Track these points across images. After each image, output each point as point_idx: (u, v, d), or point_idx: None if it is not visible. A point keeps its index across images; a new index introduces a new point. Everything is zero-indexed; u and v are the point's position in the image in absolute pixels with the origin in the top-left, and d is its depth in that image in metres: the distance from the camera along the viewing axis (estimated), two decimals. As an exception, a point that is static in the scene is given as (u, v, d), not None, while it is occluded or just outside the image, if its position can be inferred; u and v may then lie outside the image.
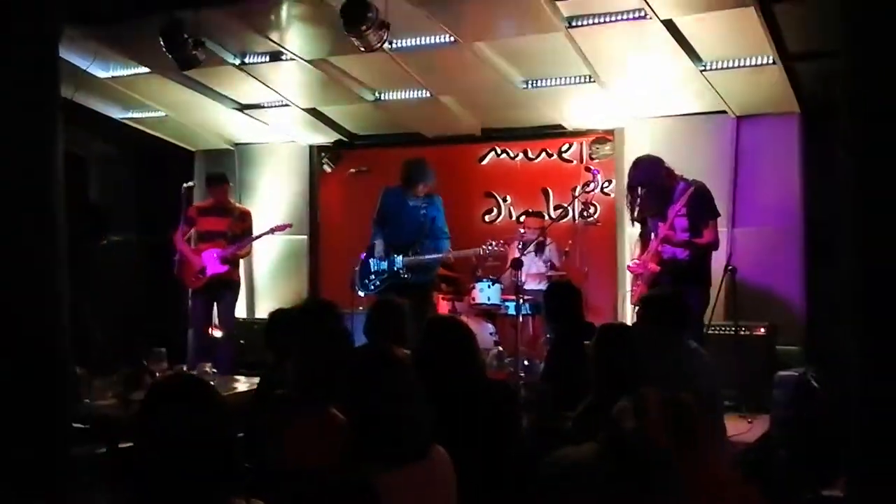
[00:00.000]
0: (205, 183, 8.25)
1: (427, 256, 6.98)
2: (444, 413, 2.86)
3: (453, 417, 3.02)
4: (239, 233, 7.79)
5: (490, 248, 7.03)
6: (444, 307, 8.15)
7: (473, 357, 3.48)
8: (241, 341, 8.50)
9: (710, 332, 6.35)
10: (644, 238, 6.25)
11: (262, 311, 9.23)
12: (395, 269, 7.00)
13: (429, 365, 3.24)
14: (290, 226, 8.23)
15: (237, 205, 8.11)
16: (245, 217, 7.92)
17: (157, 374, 4.99)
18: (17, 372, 3.41)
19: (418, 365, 3.14)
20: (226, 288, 7.81)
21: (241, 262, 8.20)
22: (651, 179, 6.02)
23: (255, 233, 7.92)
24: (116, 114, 8.96)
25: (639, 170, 6.12)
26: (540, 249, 8.04)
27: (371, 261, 7.18)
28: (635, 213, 6.21)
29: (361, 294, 7.30)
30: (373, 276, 7.16)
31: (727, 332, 6.63)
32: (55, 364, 3.57)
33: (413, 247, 6.99)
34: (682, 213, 5.90)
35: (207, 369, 5.52)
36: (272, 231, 7.97)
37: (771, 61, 6.42)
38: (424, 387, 2.70)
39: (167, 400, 2.13)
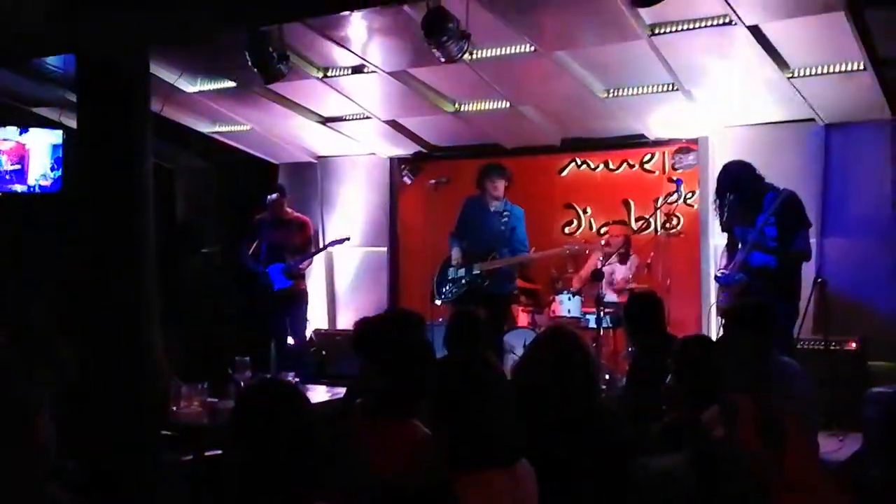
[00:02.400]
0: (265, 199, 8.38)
1: (504, 260, 6.95)
2: (547, 432, 2.82)
3: (557, 438, 2.93)
4: (299, 244, 7.95)
5: (571, 248, 7.00)
6: (523, 319, 8.12)
7: (591, 383, 3.20)
8: (323, 352, 8.60)
9: (798, 346, 6.17)
10: (731, 248, 6.10)
11: (343, 323, 9.33)
12: (473, 274, 6.99)
13: (536, 382, 3.08)
14: (347, 239, 8.29)
15: (296, 214, 8.23)
16: (304, 227, 8.06)
17: (242, 383, 5.07)
18: (109, 380, 3.51)
19: (521, 378, 3.08)
20: (293, 300, 7.96)
21: (319, 273, 8.33)
22: (740, 184, 5.85)
23: (316, 243, 8.04)
24: (203, 127, 9.16)
25: (728, 174, 5.95)
26: (623, 259, 7.96)
27: (449, 269, 7.19)
28: (723, 220, 6.05)
29: (438, 302, 7.31)
30: (450, 284, 7.17)
31: (817, 347, 6.44)
32: (145, 373, 3.66)
33: (491, 254, 6.98)
34: (771, 222, 5.71)
35: (290, 379, 5.58)
36: (331, 244, 8.09)
37: (861, 67, 6.23)
38: (525, 402, 2.67)
39: (260, 404, 2.16)
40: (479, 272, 6.97)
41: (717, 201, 6.01)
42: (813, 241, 6.92)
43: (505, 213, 7.06)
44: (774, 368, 3.92)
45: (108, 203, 3.52)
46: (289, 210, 8.14)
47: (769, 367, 3.86)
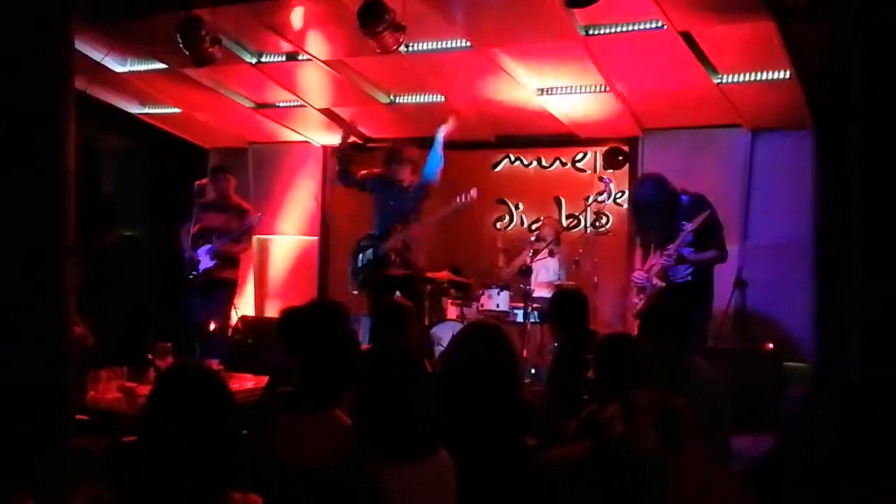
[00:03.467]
0: (209, 174, 8.22)
1: (402, 233, 6.79)
2: (467, 420, 2.83)
3: (477, 427, 2.95)
4: (235, 229, 7.70)
5: (458, 204, 6.86)
6: (452, 312, 8.15)
7: (514, 373, 3.23)
8: (249, 340, 8.50)
9: (717, 346, 6.31)
10: (645, 248, 6.15)
11: (272, 311, 9.26)
12: (380, 256, 6.85)
13: (462, 372, 3.10)
14: (260, 215, 8.06)
15: (239, 202, 8.00)
16: (244, 213, 7.82)
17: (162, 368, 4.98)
18: (21, 363, 3.42)
19: (448, 371, 3.09)
20: (219, 285, 7.73)
21: (248, 261, 8.15)
22: (655, 204, 5.85)
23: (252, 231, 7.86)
24: (132, 109, 8.99)
25: (641, 194, 5.94)
26: (552, 253, 8.02)
27: (358, 257, 7.04)
28: (638, 235, 6.09)
29: (356, 292, 7.15)
30: (361, 273, 7.02)
31: (735, 347, 6.59)
32: (60, 356, 3.58)
33: (395, 229, 6.85)
34: (689, 240, 5.74)
35: (214, 365, 5.52)
36: (249, 229, 7.85)
37: (787, 76, 6.40)
38: (449, 390, 2.68)
39: (177, 388, 2.13)
40: (385, 252, 6.85)
41: (633, 220, 6.00)
42: (734, 245, 7.11)
43: (419, 192, 6.93)
44: (688, 370, 4.01)
45: (27, 182, 3.44)
46: (234, 195, 7.97)
47: (679, 369, 3.95)
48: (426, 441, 2.58)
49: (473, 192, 6.83)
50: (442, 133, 6.88)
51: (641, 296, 5.90)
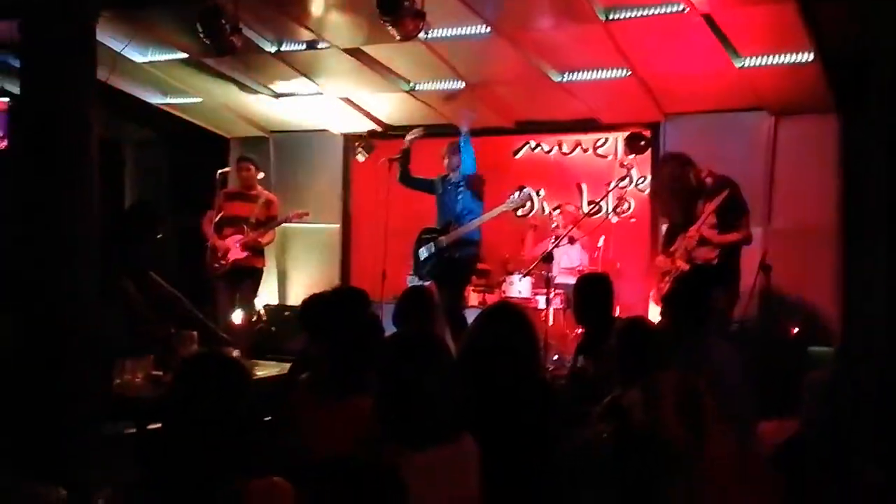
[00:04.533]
0: (234, 163, 8.26)
1: (463, 228, 7.00)
2: (490, 403, 2.84)
3: (499, 410, 2.97)
4: (263, 220, 7.74)
5: (515, 198, 7.09)
6: (474, 299, 8.15)
7: (536, 354, 3.29)
8: (273, 328, 8.55)
9: (741, 329, 6.28)
10: (671, 233, 6.17)
11: (294, 299, 9.29)
12: (440, 249, 7.05)
13: (484, 353, 3.13)
14: (307, 214, 8.17)
15: (264, 191, 8.02)
16: (270, 204, 7.85)
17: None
18: (49, 351, 3.46)
19: (470, 351, 3.10)
20: (246, 275, 7.77)
21: (271, 249, 8.18)
22: (677, 185, 5.90)
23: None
24: (153, 99, 9.02)
25: (664, 174, 6.02)
26: (572, 241, 8.01)
27: (419, 251, 7.23)
28: (663, 212, 6.15)
29: (426, 283, 7.29)
30: (424, 263, 7.21)
31: (759, 331, 6.55)
32: (86, 344, 3.61)
33: (451, 225, 7.04)
34: (712, 213, 5.80)
35: (237, 354, 5.54)
36: (289, 219, 7.95)
37: (811, 59, 6.33)
38: (473, 372, 2.67)
39: (198, 377, 2.15)
40: (444, 245, 7.02)
41: (656, 200, 6.09)
42: (758, 228, 7.06)
43: (460, 185, 7.12)
44: (708, 353, 3.99)
45: (50, 173, 3.46)
46: (258, 185, 8.00)
47: (700, 352, 3.93)
48: (449, 427, 2.59)
49: (529, 191, 7.34)
50: (466, 129, 6.94)
51: (667, 279, 5.89)
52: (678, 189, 5.90)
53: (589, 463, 2.36)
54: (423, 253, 7.21)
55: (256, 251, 7.78)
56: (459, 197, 7.03)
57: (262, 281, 8.27)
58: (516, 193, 7.27)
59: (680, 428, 2.19)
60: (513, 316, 3.25)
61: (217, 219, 7.69)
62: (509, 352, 3.09)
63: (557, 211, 8.59)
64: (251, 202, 7.77)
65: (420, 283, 7.20)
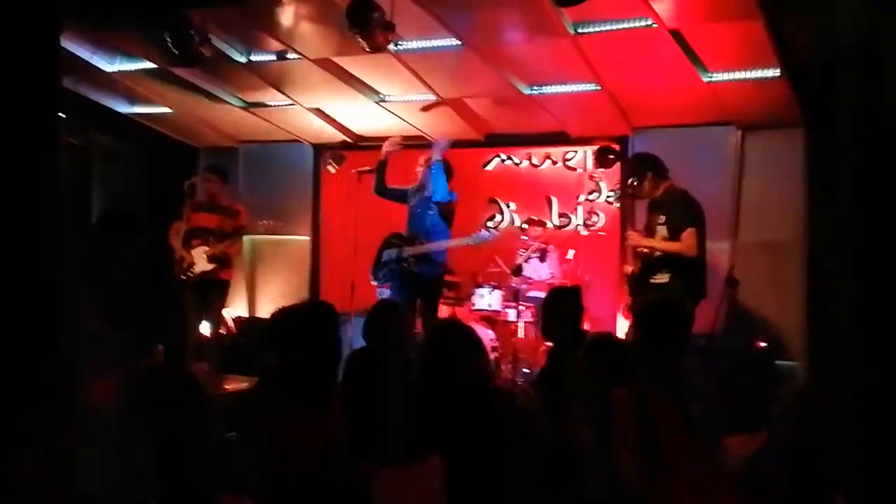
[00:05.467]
0: (200, 173, 8.16)
1: (427, 246, 6.96)
2: (444, 417, 2.83)
3: (453, 422, 2.98)
4: (230, 231, 7.60)
5: (479, 235, 7.02)
6: (444, 312, 8.13)
7: (476, 363, 3.37)
8: (242, 340, 8.49)
9: (709, 344, 6.31)
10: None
11: (263, 312, 9.23)
12: (402, 258, 6.99)
13: (432, 368, 3.16)
14: (274, 224, 8.08)
15: (231, 202, 7.90)
16: (237, 214, 7.71)
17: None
18: (16, 368, 3.40)
19: (423, 367, 3.10)
20: (213, 287, 7.65)
21: (241, 261, 8.09)
22: (628, 191, 6.03)
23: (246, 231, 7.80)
24: (122, 108, 8.94)
25: (629, 167, 6.15)
26: (543, 258, 8.04)
27: (384, 252, 7.17)
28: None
29: (375, 283, 7.26)
30: (385, 268, 7.15)
31: (726, 346, 6.59)
32: (54, 361, 3.56)
33: (418, 239, 6.97)
34: (661, 221, 5.87)
35: (205, 367, 5.51)
36: (256, 231, 7.82)
37: (777, 74, 6.40)
38: (428, 389, 2.67)
39: (149, 394, 2.12)
40: (405, 256, 6.96)
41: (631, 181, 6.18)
42: (725, 243, 7.13)
43: (431, 205, 7.07)
44: (676, 367, 4.00)
45: (15, 183, 3.42)
46: (225, 196, 7.86)
47: (668, 366, 3.94)
48: (414, 444, 2.57)
49: (495, 233, 7.25)
50: (438, 155, 6.94)
51: (637, 262, 5.95)
52: (631, 195, 6.06)
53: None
54: (386, 255, 7.17)
55: (224, 263, 7.67)
56: (430, 213, 7.01)
57: (232, 293, 8.20)
58: (485, 231, 7.23)
59: (636, 469, 2.19)
60: (451, 333, 3.32)
61: (184, 230, 7.59)
62: (453, 370, 3.12)
63: (527, 226, 8.61)
64: (218, 213, 7.67)
65: (379, 286, 7.21)
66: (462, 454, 2.81)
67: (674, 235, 5.81)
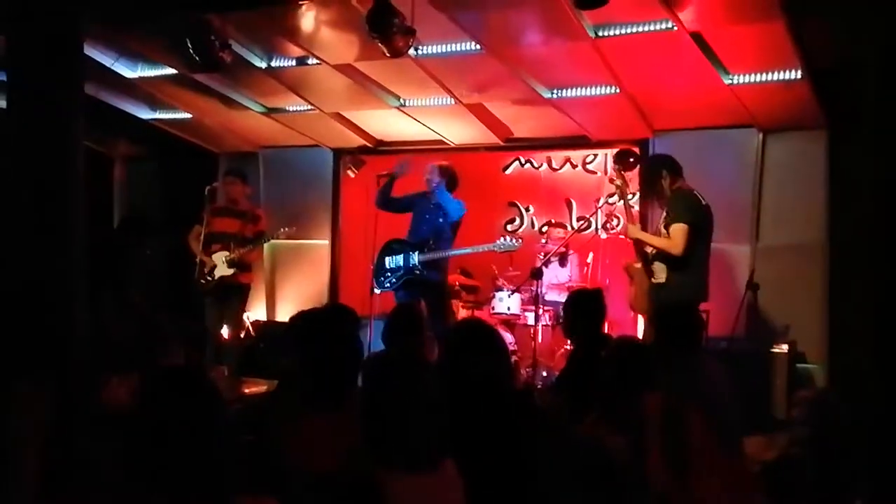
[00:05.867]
0: (221, 178, 8.21)
1: (443, 251, 6.99)
2: (466, 418, 2.82)
3: (476, 423, 2.96)
4: (250, 236, 7.66)
5: (504, 242, 7.06)
6: (463, 315, 8.13)
7: (502, 362, 3.32)
8: (261, 344, 8.51)
9: (730, 348, 6.28)
10: None
11: (283, 315, 9.26)
12: (411, 264, 7.01)
13: (454, 368, 3.15)
14: (293, 230, 8.11)
15: (251, 207, 7.97)
16: (257, 219, 7.77)
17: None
18: (32, 368, 3.44)
19: (442, 367, 3.09)
20: (233, 291, 7.70)
21: (260, 265, 8.10)
22: (645, 180, 6.10)
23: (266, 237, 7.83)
24: (143, 114, 9.01)
25: (646, 167, 6.17)
26: (563, 261, 8.02)
27: (385, 258, 7.19)
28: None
29: (377, 291, 7.29)
30: (388, 273, 7.18)
31: (747, 349, 6.56)
32: (70, 361, 3.59)
33: (427, 244, 7.00)
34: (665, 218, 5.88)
35: (224, 371, 5.53)
36: (276, 237, 7.85)
37: (799, 76, 6.37)
38: (448, 390, 2.66)
39: (163, 392, 2.12)
40: (415, 262, 6.97)
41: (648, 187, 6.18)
42: (746, 246, 7.10)
43: (441, 212, 7.11)
44: (697, 370, 3.98)
45: (36, 186, 3.45)
46: (244, 200, 7.92)
47: (690, 369, 3.92)
48: (432, 452, 2.56)
49: (520, 243, 7.26)
50: (399, 172, 7.18)
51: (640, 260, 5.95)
52: (644, 192, 6.07)
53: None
54: (390, 262, 7.18)
55: (243, 267, 7.71)
56: (439, 220, 7.03)
57: (251, 297, 8.24)
58: (507, 239, 7.29)
59: (666, 473, 2.18)
60: (477, 333, 3.29)
61: (204, 234, 7.63)
62: (477, 371, 3.11)
63: (546, 228, 8.60)
64: (238, 218, 7.71)
65: (379, 291, 7.22)
66: (486, 458, 2.80)
67: (668, 232, 5.78)
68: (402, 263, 7.07)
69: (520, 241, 7.29)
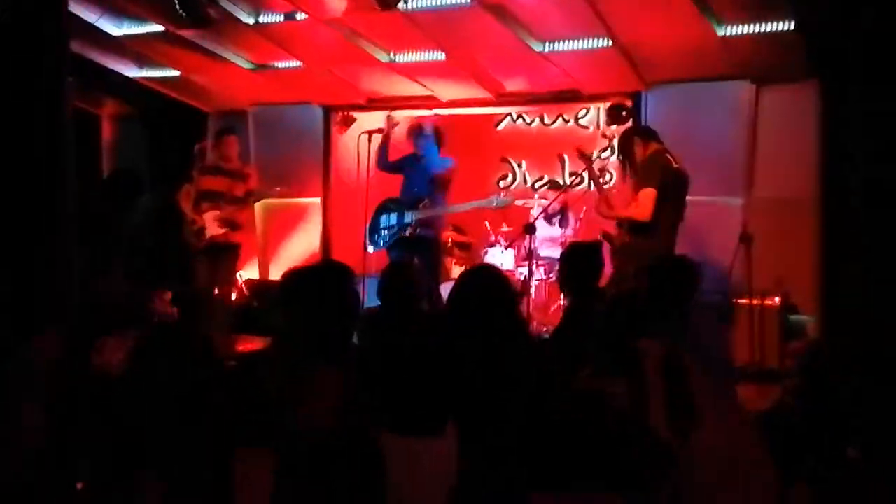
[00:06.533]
0: (215, 136, 8.14)
1: (438, 209, 6.98)
2: (475, 369, 2.82)
3: (488, 374, 2.95)
4: (241, 195, 7.57)
5: (499, 199, 7.06)
6: (456, 272, 8.14)
7: (516, 306, 3.32)
8: (254, 303, 8.51)
9: (723, 299, 6.31)
10: None
11: (275, 274, 9.24)
12: (405, 222, 7.00)
13: (466, 315, 3.11)
14: (287, 189, 8.10)
15: (241, 164, 7.83)
16: (247, 177, 7.65)
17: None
18: (24, 329, 3.42)
19: (453, 315, 3.07)
20: (224, 251, 7.64)
21: (253, 224, 8.07)
22: (620, 149, 6.15)
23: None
24: (130, 72, 8.90)
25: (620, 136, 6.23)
26: (563, 220, 8.02)
27: (381, 217, 7.18)
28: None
29: (371, 250, 7.28)
30: (383, 231, 7.17)
31: (742, 301, 6.59)
32: (64, 320, 3.57)
33: (422, 201, 6.99)
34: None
35: (218, 328, 5.51)
36: (269, 196, 7.82)
37: (792, 27, 6.31)
38: (455, 342, 2.65)
39: (155, 348, 2.11)
40: (411, 220, 6.96)
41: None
42: (738, 199, 7.09)
43: (429, 170, 7.10)
44: (689, 320, 4.00)
45: (23, 146, 3.41)
46: (237, 158, 7.74)
47: (683, 319, 3.94)
48: (430, 416, 2.55)
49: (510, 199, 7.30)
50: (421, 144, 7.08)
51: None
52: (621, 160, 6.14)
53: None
54: (385, 220, 7.17)
55: (234, 226, 7.66)
56: (428, 178, 7.02)
57: (243, 256, 8.22)
58: (500, 195, 7.31)
59: (668, 428, 2.18)
60: (487, 276, 3.26)
61: (194, 193, 7.56)
62: (491, 308, 3.08)
63: (539, 183, 8.58)
64: (227, 176, 7.64)
65: (372, 250, 7.23)
66: (499, 403, 2.78)
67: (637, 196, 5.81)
68: (396, 221, 7.06)
69: (512, 197, 7.29)
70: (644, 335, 3.08)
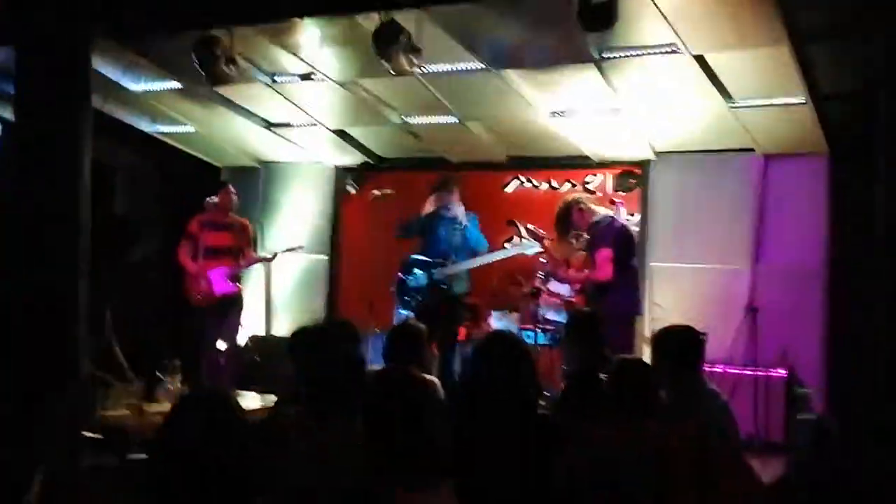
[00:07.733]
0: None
1: (464, 263, 7.00)
2: (489, 431, 2.81)
3: (501, 437, 2.95)
4: (245, 246, 7.74)
5: (524, 243, 7.14)
6: (461, 333, 8.11)
7: (533, 382, 3.31)
8: (257, 358, 8.49)
9: (728, 372, 6.29)
10: None
11: (280, 329, 9.24)
12: (434, 280, 7.02)
13: (483, 384, 3.12)
14: (302, 247, 8.19)
15: (236, 217, 7.97)
16: (245, 229, 7.86)
17: (171, 387, 5.05)
18: (31, 377, 3.42)
19: (470, 383, 3.08)
20: (232, 305, 7.75)
21: (259, 279, 8.14)
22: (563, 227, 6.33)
23: (261, 248, 7.87)
24: (145, 126, 9.01)
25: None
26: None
27: (408, 278, 7.19)
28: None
29: (404, 313, 7.25)
30: (413, 293, 7.17)
31: (747, 374, 6.56)
32: (69, 372, 3.58)
33: (449, 259, 7.04)
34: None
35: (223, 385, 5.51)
36: (286, 251, 7.93)
37: (802, 101, 6.38)
38: (472, 406, 2.65)
39: (192, 414, 2.11)
40: (439, 278, 6.98)
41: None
42: (746, 269, 7.10)
43: (458, 224, 7.14)
44: (697, 394, 3.98)
45: (44, 197, 3.44)
46: (232, 210, 7.94)
47: (692, 393, 3.92)
48: (432, 470, 2.55)
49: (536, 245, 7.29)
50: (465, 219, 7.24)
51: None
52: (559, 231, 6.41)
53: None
54: (413, 281, 7.18)
55: (239, 280, 7.79)
56: (456, 233, 7.06)
57: (248, 311, 8.25)
58: (522, 241, 7.38)
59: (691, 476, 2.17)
60: (511, 348, 3.27)
61: (201, 249, 7.66)
62: (509, 387, 3.09)
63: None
64: (228, 230, 7.75)
65: (406, 313, 7.20)
66: (500, 471, 2.78)
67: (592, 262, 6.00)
68: (424, 283, 7.09)
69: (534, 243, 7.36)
70: (653, 405, 3.08)
